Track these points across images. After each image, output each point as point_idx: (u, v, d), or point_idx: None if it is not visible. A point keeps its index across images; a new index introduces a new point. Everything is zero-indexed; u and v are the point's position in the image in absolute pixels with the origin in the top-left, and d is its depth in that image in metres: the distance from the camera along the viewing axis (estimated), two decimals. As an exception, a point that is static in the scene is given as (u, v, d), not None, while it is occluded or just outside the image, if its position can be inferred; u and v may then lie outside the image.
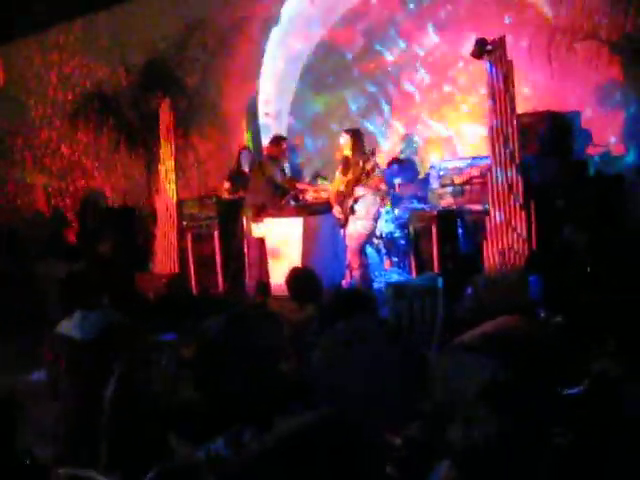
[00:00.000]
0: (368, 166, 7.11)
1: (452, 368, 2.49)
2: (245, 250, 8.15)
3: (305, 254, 7.28)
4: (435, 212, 7.45)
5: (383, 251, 8.56)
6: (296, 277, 4.46)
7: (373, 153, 7.18)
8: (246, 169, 9.11)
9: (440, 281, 4.93)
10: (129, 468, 3.21)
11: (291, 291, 4.39)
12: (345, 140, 7.27)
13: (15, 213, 13.60)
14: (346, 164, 7.26)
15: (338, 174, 7.40)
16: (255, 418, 3.11)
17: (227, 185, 9.33)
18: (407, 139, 9.56)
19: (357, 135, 7.29)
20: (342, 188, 7.19)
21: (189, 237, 9.05)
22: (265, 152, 8.27)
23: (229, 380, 3.52)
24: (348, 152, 7.23)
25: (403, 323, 4.55)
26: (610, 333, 3.62)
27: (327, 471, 1.96)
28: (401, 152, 9.51)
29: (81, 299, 3.77)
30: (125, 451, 3.33)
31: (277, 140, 8.18)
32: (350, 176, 7.13)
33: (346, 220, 7.16)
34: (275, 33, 10.82)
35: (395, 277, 8.39)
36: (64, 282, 4.14)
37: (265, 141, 10.76)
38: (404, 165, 9.02)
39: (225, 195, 9.29)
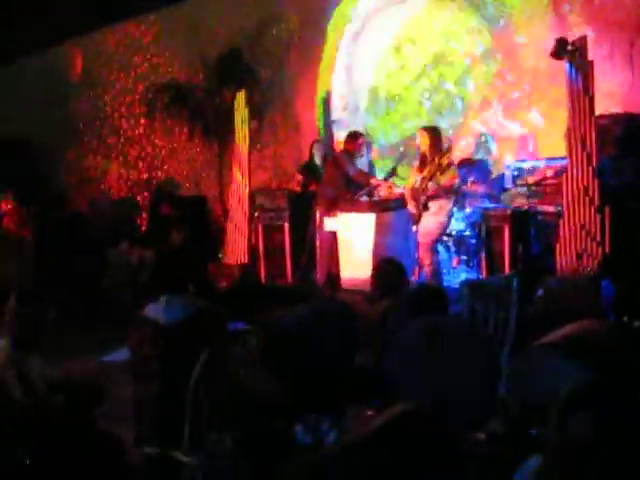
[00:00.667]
0: (444, 162, 7.17)
1: (541, 369, 2.52)
2: (317, 243, 8.25)
3: (377, 249, 7.34)
4: (508, 212, 7.41)
5: (452, 249, 8.56)
6: (387, 268, 4.51)
7: (450, 149, 7.24)
8: (318, 161, 9.22)
9: (515, 281, 4.93)
10: (211, 449, 3.33)
11: (378, 282, 4.44)
12: (423, 137, 7.35)
13: (89, 200, 13.95)
14: (423, 161, 7.34)
15: (414, 170, 7.46)
16: (328, 410, 3.19)
17: (300, 178, 9.44)
18: (481, 138, 9.51)
19: (434, 133, 7.38)
20: (417, 184, 7.22)
21: (260, 228, 9.19)
22: (342, 147, 8.33)
23: (301, 371, 3.60)
24: (425, 149, 7.31)
25: (478, 321, 4.57)
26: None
27: (417, 463, 2.02)
28: (474, 151, 9.47)
29: (168, 283, 3.91)
30: (207, 433, 3.44)
31: (354, 135, 8.25)
32: (426, 173, 7.17)
33: (419, 216, 7.19)
34: (349, 28, 10.86)
35: (463, 275, 8.38)
36: (154, 266, 4.28)
37: (338, 135, 10.88)
38: (476, 165, 8.99)
39: (297, 188, 9.40)
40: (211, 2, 11.99)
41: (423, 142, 7.34)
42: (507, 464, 2.36)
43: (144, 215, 12.61)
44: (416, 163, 7.64)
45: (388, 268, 4.50)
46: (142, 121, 13.39)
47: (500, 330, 4.85)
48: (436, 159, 7.15)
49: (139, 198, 13.40)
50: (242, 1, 11.53)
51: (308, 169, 9.32)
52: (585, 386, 2.03)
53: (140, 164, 13.72)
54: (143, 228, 12.40)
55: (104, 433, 4.60)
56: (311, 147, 9.52)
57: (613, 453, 1.74)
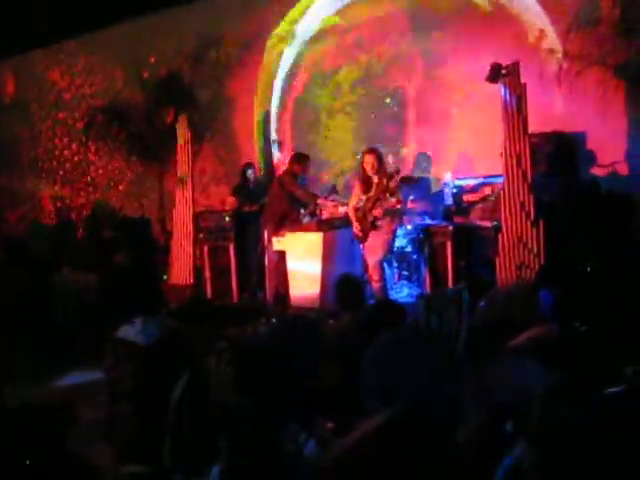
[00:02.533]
0: (392, 184, 7.35)
1: (512, 371, 2.77)
2: (265, 262, 8.42)
3: (325, 267, 7.55)
4: (450, 228, 7.72)
5: (394, 265, 8.82)
6: (347, 283, 4.71)
7: (397, 172, 7.42)
8: (250, 184, 9.43)
9: (466, 293, 5.20)
10: (190, 468, 3.47)
11: (340, 297, 4.63)
12: (368, 160, 7.44)
13: (21, 223, 13.79)
14: (368, 182, 7.48)
15: (357, 190, 7.63)
16: (299, 421, 3.38)
17: (231, 199, 9.59)
18: (419, 157, 9.82)
19: (379, 155, 7.51)
20: (361, 204, 7.43)
21: (205, 249, 9.30)
22: (287, 168, 8.52)
23: (275, 385, 3.78)
24: (371, 171, 7.43)
25: (434, 333, 4.80)
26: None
27: (409, 464, 2.24)
28: (413, 170, 9.78)
29: (143, 305, 4.03)
30: (187, 452, 3.57)
31: (301, 157, 8.45)
32: (372, 193, 7.38)
33: (365, 235, 7.41)
34: (289, 50, 11.12)
35: (406, 290, 8.67)
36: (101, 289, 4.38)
37: (277, 155, 11.12)
38: (416, 183, 9.28)
39: (227, 208, 9.55)
40: (151, 23, 12.04)
41: (368, 164, 7.43)
42: (488, 464, 2.59)
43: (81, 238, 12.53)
44: (358, 183, 7.72)
45: (348, 284, 4.70)
46: (78, 143, 13.31)
47: (453, 339, 5.10)
48: (384, 181, 7.32)
49: (76, 221, 13.31)
50: (182, 24, 11.63)
51: (241, 191, 9.48)
52: (560, 382, 2.29)
53: (77, 186, 13.62)
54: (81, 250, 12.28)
55: (74, 454, 4.66)
56: (243, 169, 9.70)
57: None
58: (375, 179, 7.38)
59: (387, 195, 7.29)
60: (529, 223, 7.29)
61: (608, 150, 8.59)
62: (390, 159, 8.36)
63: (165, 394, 3.69)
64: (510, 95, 7.39)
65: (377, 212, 7.32)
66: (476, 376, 3.42)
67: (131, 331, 3.96)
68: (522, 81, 7.42)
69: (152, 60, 12.16)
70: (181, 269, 9.43)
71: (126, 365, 3.90)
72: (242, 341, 4.52)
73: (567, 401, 2.11)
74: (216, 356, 4.01)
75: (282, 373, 3.85)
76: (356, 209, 7.52)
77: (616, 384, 2.83)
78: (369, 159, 7.42)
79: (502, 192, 7.41)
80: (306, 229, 7.84)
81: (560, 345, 3.55)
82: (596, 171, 8.62)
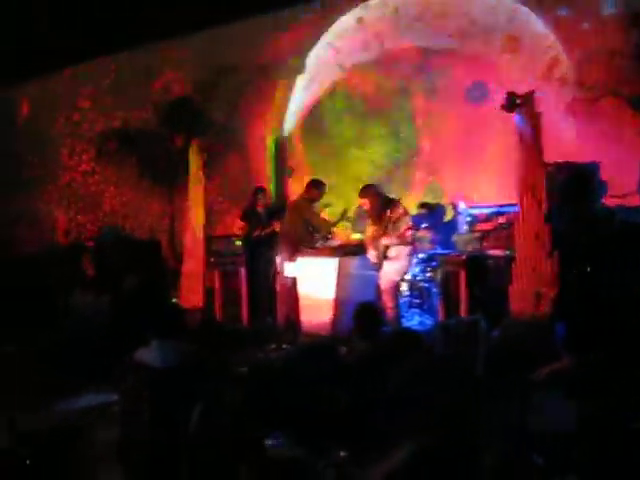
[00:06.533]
0: (394, 215, 7.40)
1: (539, 404, 2.73)
2: (277, 287, 8.38)
3: (339, 294, 7.51)
4: (464, 257, 7.68)
5: (406, 292, 8.78)
6: (367, 313, 4.67)
7: (397, 203, 7.52)
8: (260, 209, 9.44)
9: (483, 323, 5.17)
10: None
11: (359, 325, 4.59)
12: (363, 202, 7.68)
13: (34, 245, 13.79)
14: (372, 217, 7.63)
15: (369, 222, 7.72)
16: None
17: (240, 224, 9.56)
18: (431, 186, 9.82)
19: (373, 195, 7.60)
20: (376, 234, 7.48)
21: (216, 273, 9.27)
22: (303, 194, 8.52)
23: (292, 411, 3.73)
24: (369, 210, 7.64)
25: (451, 362, 4.76)
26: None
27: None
28: (424, 197, 9.79)
29: (158, 328, 4.01)
30: (202, 476, 3.53)
31: (317, 184, 8.46)
32: (381, 224, 7.45)
33: (380, 264, 7.42)
34: (300, 79, 11.17)
35: (417, 318, 8.62)
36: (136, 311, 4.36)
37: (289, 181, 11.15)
38: (433, 210, 9.28)
39: (237, 232, 9.52)
40: (167, 50, 12.14)
41: (364, 204, 7.67)
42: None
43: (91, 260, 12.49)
44: (368, 215, 7.84)
45: (369, 313, 4.67)
46: (91, 165, 13.37)
47: (470, 368, 5.05)
48: (387, 212, 7.39)
49: (86, 243, 13.30)
50: (198, 51, 11.71)
51: (250, 215, 9.48)
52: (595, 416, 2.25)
53: (88, 209, 13.65)
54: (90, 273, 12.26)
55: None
56: (254, 194, 9.68)
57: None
58: (380, 213, 7.45)
59: (391, 226, 7.35)
60: (544, 253, 7.23)
61: (620, 181, 8.56)
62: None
63: (180, 418, 3.66)
64: (525, 124, 7.36)
65: (386, 241, 7.39)
66: (498, 406, 3.39)
67: (147, 354, 3.94)
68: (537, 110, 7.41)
69: (165, 84, 12.22)
70: (191, 292, 9.39)
71: (142, 388, 3.88)
72: (258, 367, 4.49)
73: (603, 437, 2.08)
74: (233, 382, 3.98)
75: (299, 399, 3.81)
76: (372, 238, 7.58)
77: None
78: (362, 201, 7.66)
79: (516, 221, 7.37)
80: (320, 254, 7.83)
81: (582, 378, 3.52)
82: (608, 202, 8.58)
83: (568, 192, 8.24)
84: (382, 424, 3.73)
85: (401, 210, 7.48)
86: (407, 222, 7.49)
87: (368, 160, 10.58)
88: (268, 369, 4.19)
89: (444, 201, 9.59)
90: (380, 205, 7.49)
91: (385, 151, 10.57)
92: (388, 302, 7.29)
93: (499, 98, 7.57)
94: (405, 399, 3.65)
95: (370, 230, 7.63)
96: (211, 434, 3.47)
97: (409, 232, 7.49)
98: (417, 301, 8.90)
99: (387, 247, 7.40)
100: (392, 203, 7.52)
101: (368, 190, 7.69)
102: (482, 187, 9.51)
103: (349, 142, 10.87)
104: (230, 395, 3.55)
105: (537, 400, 2.84)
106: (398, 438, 3.50)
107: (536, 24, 9.08)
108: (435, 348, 5.09)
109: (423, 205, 9.14)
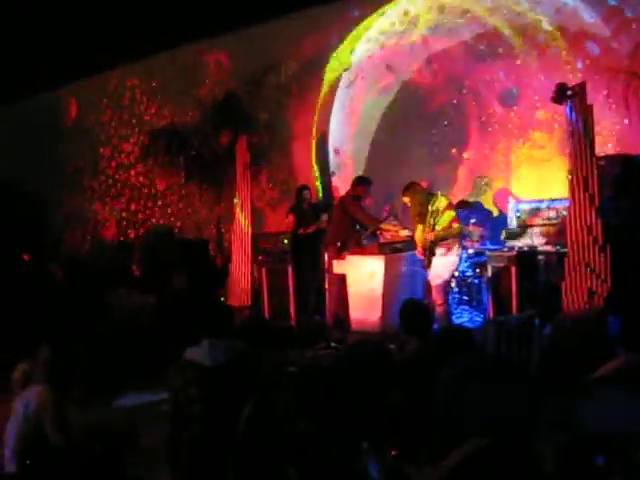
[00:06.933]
0: (439, 206, 7.39)
1: (604, 402, 2.64)
2: (326, 286, 8.35)
3: (386, 291, 7.48)
4: (514, 253, 7.55)
5: (455, 289, 8.69)
6: (415, 310, 4.59)
7: (434, 195, 7.50)
8: (305, 206, 9.44)
9: (537, 320, 5.07)
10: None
11: (407, 323, 4.52)
12: (404, 200, 7.71)
13: (84, 244, 13.98)
14: (416, 214, 7.58)
15: (415, 222, 7.65)
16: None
17: (292, 218, 9.53)
18: (477, 181, 9.71)
19: (414, 191, 7.60)
20: (423, 234, 7.44)
21: (263, 271, 9.27)
22: (349, 191, 8.48)
23: (343, 410, 3.68)
24: (411, 208, 7.62)
25: (505, 359, 4.67)
26: None
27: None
28: (470, 194, 9.68)
29: (209, 327, 4.00)
30: (251, 475, 3.50)
31: (363, 180, 8.42)
32: (426, 223, 7.42)
33: (429, 261, 7.35)
34: (346, 75, 11.11)
35: (466, 315, 8.53)
36: (192, 311, 4.37)
37: (334, 179, 11.11)
38: (474, 207, 9.18)
39: (284, 230, 9.51)
40: (212, 49, 12.19)
41: (405, 202, 7.70)
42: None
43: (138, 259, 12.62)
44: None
45: (416, 310, 4.59)
46: (138, 165, 13.49)
47: (524, 366, 4.95)
48: (429, 207, 7.38)
49: (133, 241, 13.45)
50: (243, 50, 11.72)
51: (296, 213, 9.47)
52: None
53: (136, 208, 13.78)
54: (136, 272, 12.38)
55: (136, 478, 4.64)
56: (299, 190, 9.65)
57: None
58: (422, 210, 7.43)
59: (436, 219, 7.35)
60: (597, 248, 7.07)
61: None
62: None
63: (231, 418, 3.64)
64: (576, 117, 7.20)
65: (430, 237, 7.35)
66: (558, 405, 3.30)
67: (198, 353, 3.93)
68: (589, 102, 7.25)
69: (210, 83, 12.27)
70: (239, 290, 9.42)
71: (193, 387, 3.87)
72: (309, 366, 4.45)
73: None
74: (283, 381, 3.95)
75: (350, 398, 3.77)
76: (417, 235, 7.54)
77: None
78: (405, 199, 7.66)
79: (568, 216, 7.21)
80: (368, 252, 7.80)
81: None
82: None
83: (623, 185, 8.06)
84: (435, 424, 3.67)
85: (443, 204, 7.44)
86: (451, 215, 7.43)
87: (415, 156, 10.48)
88: (319, 368, 4.14)
89: (490, 198, 9.47)
90: (422, 201, 7.46)
91: (430, 150, 10.47)
92: (437, 299, 7.21)
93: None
94: (457, 399, 3.58)
95: (417, 227, 7.57)
96: (260, 433, 3.44)
97: (455, 225, 7.41)
98: (466, 298, 8.81)
99: (433, 243, 7.33)
100: (433, 197, 7.49)
101: (410, 188, 7.67)
102: (527, 182, 9.39)
103: (395, 139, 10.78)
104: (280, 394, 3.50)
105: (597, 399, 2.74)
106: (452, 438, 3.43)
107: (584, 14, 8.89)
108: (488, 346, 5.00)
109: (461, 203, 9.02)
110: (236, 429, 3.57)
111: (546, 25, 9.29)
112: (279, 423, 3.58)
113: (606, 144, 8.41)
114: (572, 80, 7.78)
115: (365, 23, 10.80)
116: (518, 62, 9.53)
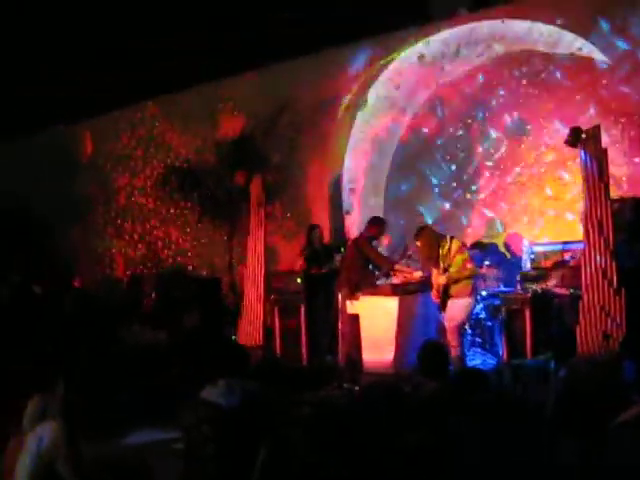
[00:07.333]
0: (452, 248, 7.42)
1: (622, 447, 2.63)
2: (339, 326, 8.33)
3: (400, 332, 7.48)
4: (528, 295, 7.53)
5: (468, 332, 8.64)
6: (434, 352, 4.58)
7: (445, 238, 7.52)
8: (316, 246, 9.43)
9: (553, 363, 5.03)
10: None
11: (425, 365, 4.51)
12: (416, 245, 7.76)
13: (94, 279, 14.00)
14: (425, 257, 7.72)
15: (431, 265, 7.71)
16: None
17: (301, 261, 9.53)
18: (491, 223, 9.72)
19: (426, 235, 7.67)
20: (440, 279, 7.46)
21: (276, 310, 9.25)
22: (363, 231, 8.50)
23: (359, 452, 3.66)
24: (423, 251, 7.72)
25: (521, 402, 4.65)
26: None
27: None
28: (484, 236, 9.68)
29: (225, 367, 3.99)
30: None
31: (378, 221, 8.44)
32: (440, 266, 7.45)
33: (444, 304, 7.36)
34: (361, 115, 11.20)
35: (479, 358, 8.47)
36: (205, 350, 4.37)
37: (347, 219, 11.14)
38: (488, 249, 9.18)
39: (297, 269, 9.49)
40: (228, 88, 12.31)
41: (418, 246, 7.73)
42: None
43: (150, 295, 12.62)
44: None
45: (435, 353, 4.58)
46: (151, 202, 13.56)
47: (540, 409, 4.92)
48: (440, 251, 7.41)
49: (145, 279, 13.44)
50: (258, 88, 11.85)
51: (308, 253, 9.45)
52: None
53: (149, 245, 13.82)
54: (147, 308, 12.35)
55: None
56: (309, 232, 9.67)
57: None
58: (434, 254, 7.46)
59: (449, 261, 7.37)
60: (612, 291, 7.04)
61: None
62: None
63: (245, 459, 3.62)
64: (591, 160, 7.22)
65: (442, 280, 7.37)
66: (578, 449, 3.28)
67: (214, 393, 3.92)
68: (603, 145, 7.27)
69: (225, 122, 12.38)
70: (251, 329, 9.39)
71: (206, 425, 3.85)
72: (323, 407, 4.43)
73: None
74: (298, 423, 3.92)
75: (365, 439, 3.75)
76: (432, 277, 7.62)
77: None
78: (417, 243, 7.70)
79: (582, 259, 7.19)
80: (381, 293, 7.79)
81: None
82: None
83: (636, 228, 8.05)
84: (452, 464, 3.65)
85: (455, 246, 7.46)
86: (464, 256, 7.45)
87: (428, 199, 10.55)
88: (333, 408, 4.13)
89: (502, 239, 9.47)
90: (433, 244, 7.50)
91: (444, 190, 10.52)
92: (452, 341, 7.19)
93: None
94: (476, 440, 3.56)
95: (433, 270, 7.61)
96: (277, 475, 3.42)
97: (469, 265, 7.41)
98: (479, 340, 8.76)
99: (447, 285, 7.32)
100: (443, 239, 7.52)
101: (421, 231, 7.74)
102: (540, 225, 9.40)
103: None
104: (295, 436, 3.49)
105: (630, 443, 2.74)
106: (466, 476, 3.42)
107: (596, 57, 8.97)
108: (504, 388, 4.97)
109: (475, 244, 9.02)
110: (251, 471, 3.55)
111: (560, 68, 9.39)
112: (294, 466, 3.56)
113: (619, 185, 8.41)
114: (585, 122, 7.81)
115: (381, 64, 10.92)
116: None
